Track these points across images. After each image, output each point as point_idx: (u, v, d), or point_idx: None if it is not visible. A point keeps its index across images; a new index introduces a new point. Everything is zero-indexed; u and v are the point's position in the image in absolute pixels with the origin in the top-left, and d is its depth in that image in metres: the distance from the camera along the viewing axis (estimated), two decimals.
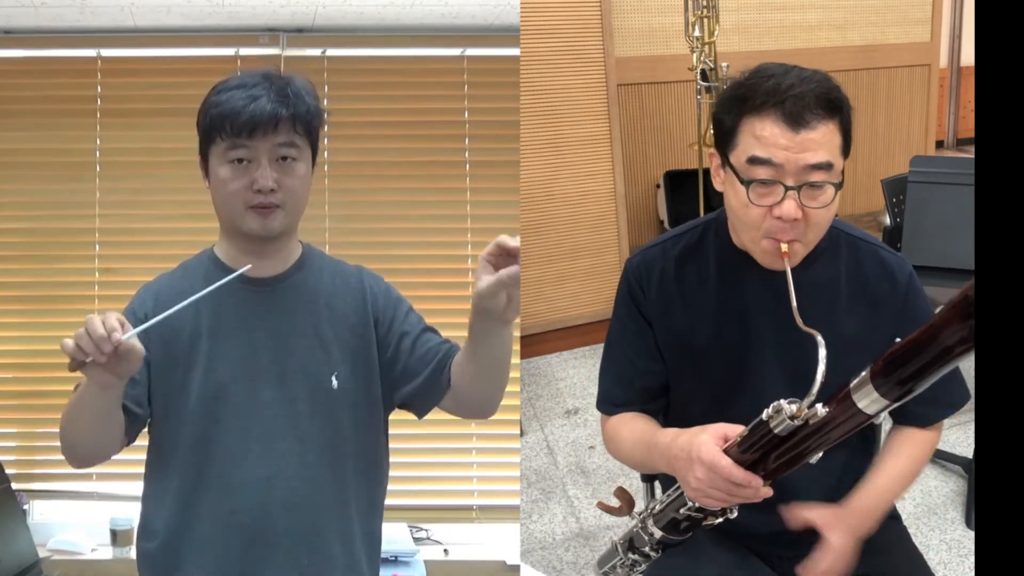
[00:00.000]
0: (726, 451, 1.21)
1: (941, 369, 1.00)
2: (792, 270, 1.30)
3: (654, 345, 1.52)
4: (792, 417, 1.12)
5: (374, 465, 1.54)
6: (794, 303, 1.23)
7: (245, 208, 1.40)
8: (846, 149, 1.32)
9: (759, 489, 1.19)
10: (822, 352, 1.11)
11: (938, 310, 0.98)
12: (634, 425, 1.51)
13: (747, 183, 1.30)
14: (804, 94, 1.27)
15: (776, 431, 1.14)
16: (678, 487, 1.34)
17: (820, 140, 1.27)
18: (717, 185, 1.42)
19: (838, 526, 1.36)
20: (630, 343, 1.54)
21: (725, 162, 1.36)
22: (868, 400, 1.07)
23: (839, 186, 1.30)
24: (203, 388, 1.42)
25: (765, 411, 1.15)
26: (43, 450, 2.74)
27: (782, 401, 1.13)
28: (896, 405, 1.07)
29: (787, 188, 1.28)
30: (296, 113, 1.40)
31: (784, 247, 1.31)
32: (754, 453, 1.19)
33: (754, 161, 1.29)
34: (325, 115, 1.48)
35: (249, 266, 1.39)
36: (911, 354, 1.01)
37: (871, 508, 1.43)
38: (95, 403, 1.31)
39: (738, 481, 1.18)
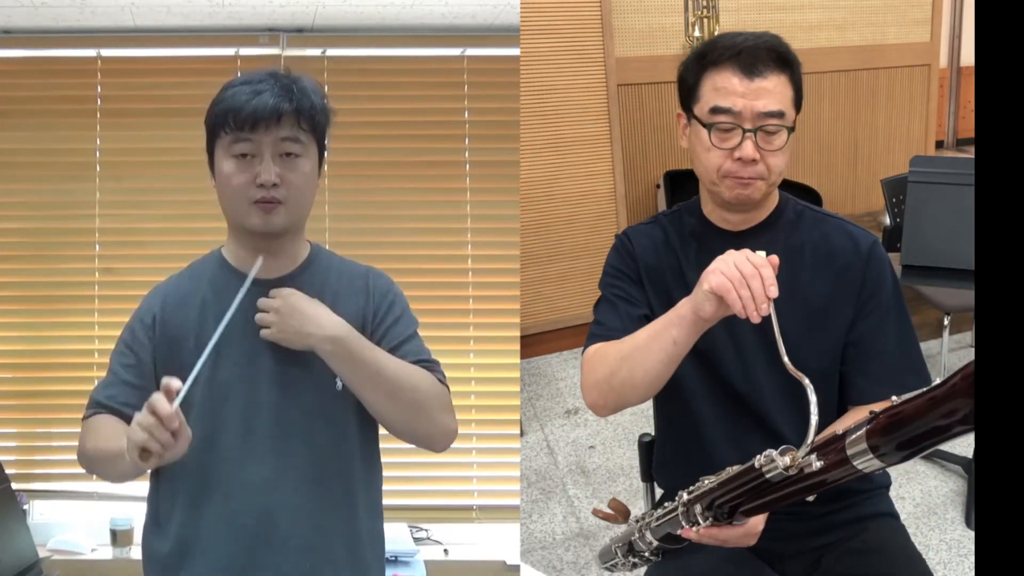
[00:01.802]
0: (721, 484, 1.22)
1: (944, 439, 0.95)
2: (754, 236, 1.49)
3: (643, 289, 1.58)
4: (786, 468, 1.09)
5: (375, 464, 1.54)
6: (781, 346, 1.22)
7: (248, 203, 1.40)
8: (798, 102, 1.48)
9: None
10: (813, 398, 1.10)
11: (942, 380, 0.90)
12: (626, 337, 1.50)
13: (709, 126, 1.44)
14: (757, 47, 1.43)
15: (767, 476, 1.13)
16: (674, 506, 1.34)
17: (772, 89, 1.42)
18: (683, 143, 1.55)
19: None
20: (619, 284, 1.59)
21: (690, 116, 1.50)
22: (863, 460, 1.02)
23: (791, 129, 1.45)
24: (208, 389, 1.42)
25: (757, 459, 1.13)
26: (43, 450, 2.74)
27: (773, 452, 1.11)
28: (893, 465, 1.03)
29: (745, 131, 1.42)
30: (300, 108, 1.40)
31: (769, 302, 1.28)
32: (743, 494, 1.18)
33: (716, 111, 1.44)
34: (332, 113, 1.47)
35: (260, 259, 1.39)
36: (908, 420, 0.95)
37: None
38: (128, 470, 1.34)
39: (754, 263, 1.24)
